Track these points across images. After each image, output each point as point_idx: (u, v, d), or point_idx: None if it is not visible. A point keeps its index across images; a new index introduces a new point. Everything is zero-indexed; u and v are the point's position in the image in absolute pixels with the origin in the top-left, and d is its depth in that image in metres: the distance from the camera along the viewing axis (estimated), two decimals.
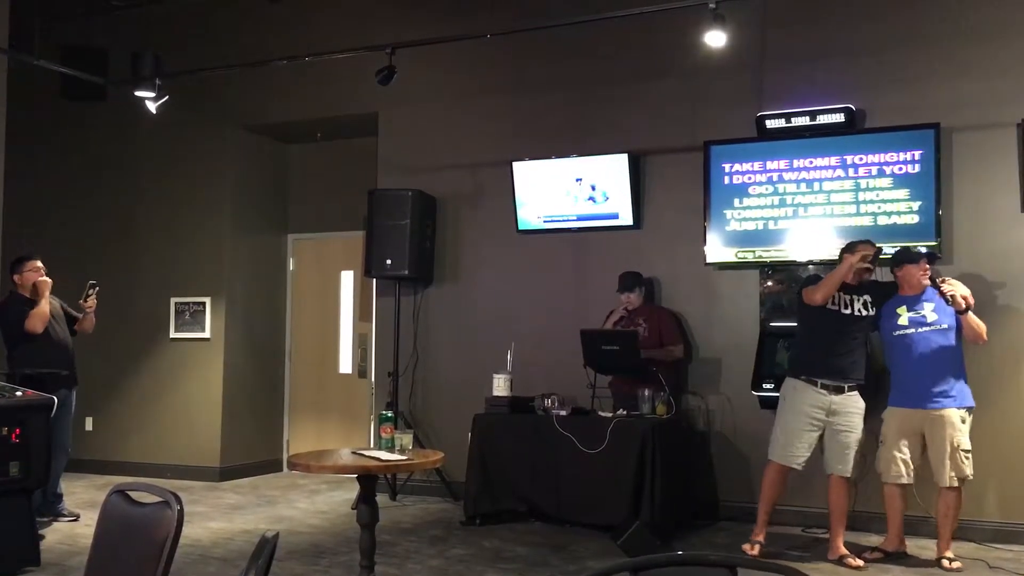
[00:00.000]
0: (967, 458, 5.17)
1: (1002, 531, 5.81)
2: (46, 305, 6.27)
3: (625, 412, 6.12)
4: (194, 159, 8.49)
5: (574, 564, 5.32)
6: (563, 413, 6.23)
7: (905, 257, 5.46)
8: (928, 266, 5.40)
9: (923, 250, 5.64)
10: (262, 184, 8.79)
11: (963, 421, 5.19)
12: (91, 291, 6.48)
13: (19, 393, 5.28)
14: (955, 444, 5.14)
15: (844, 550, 5.30)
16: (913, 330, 5.29)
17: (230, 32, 8.29)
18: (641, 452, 5.82)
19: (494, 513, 6.34)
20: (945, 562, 5.17)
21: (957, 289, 5.28)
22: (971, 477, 5.21)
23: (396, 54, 6.38)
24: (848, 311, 5.42)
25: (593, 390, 6.35)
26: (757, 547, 5.43)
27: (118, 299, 8.24)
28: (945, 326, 5.24)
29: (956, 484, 5.18)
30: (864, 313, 5.41)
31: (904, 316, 5.32)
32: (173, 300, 8.45)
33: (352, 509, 6.29)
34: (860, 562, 5.22)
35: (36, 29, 7.02)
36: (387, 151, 7.86)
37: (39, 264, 6.41)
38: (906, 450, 5.29)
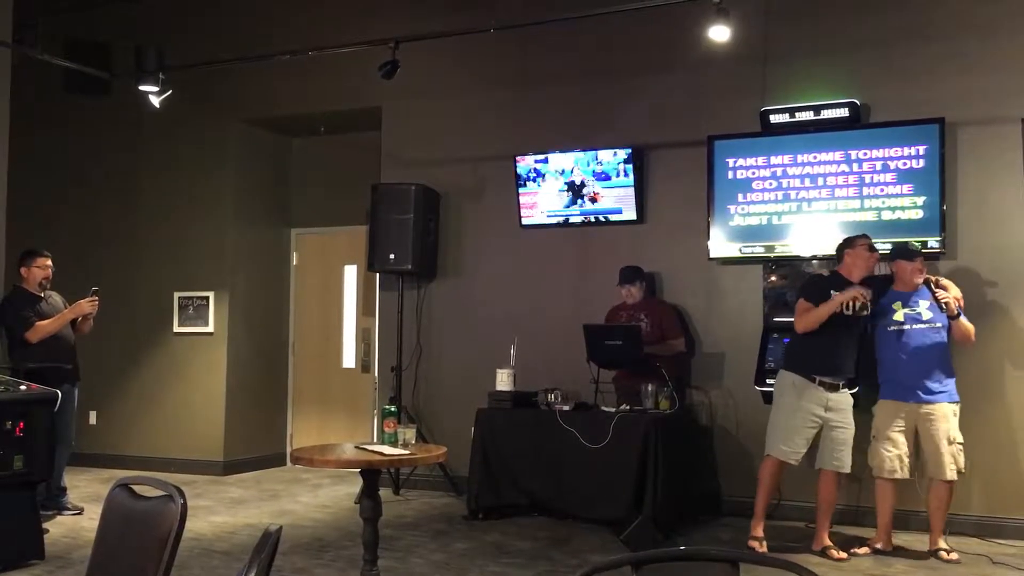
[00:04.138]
0: (960, 451, 5.27)
1: (1008, 526, 5.80)
2: (56, 327, 6.28)
3: (628, 407, 6.12)
4: (197, 153, 8.48)
5: (576, 558, 5.32)
6: (566, 408, 6.23)
7: (901, 253, 5.48)
8: (923, 264, 5.42)
9: (918, 247, 5.64)
10: (265, 178, 8.78)
11: (955, 415, 5.30)
12: (94, 296, 6.47)
13: (22, 387, 5.30)
14: (951, 437, 5.25)
15: (828, 541, 5.39)
16: (908, 326, 5.34)
17: (233, 26, 8.29)
18: (644, 447, 5.82)
19: (497, 507, 6.35)
20: (943, 553, 5.26)
21: (951, 292, 5.34)
22: (964, 471, 5.30)
23: (399, 48, 6.37)
24: (849, 311, 5.40)
25: (596, 385, 6.34)
26: (764, 544, 5.43)
27: (121, 293, 8.26)
28: (939, 324, 5.32)
29: (951, 477, 5.26)
30: (864, 313, 5.41)
31: (900, 312, 5.37)
32: (176, 294, 8.46)
33: (355, 503, 6.29)
34: (843, 554, 5.31)
35: (39, 23, 7.01)
36: (390, 145, 7.85)
37: (48, 262, 6.42)
38: (902, 445, 5.34)
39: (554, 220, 7.20)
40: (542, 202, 7.19)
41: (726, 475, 6.58)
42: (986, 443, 5.89)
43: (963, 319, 5.31)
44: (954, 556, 5.23)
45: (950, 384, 5.31)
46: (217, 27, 8.32)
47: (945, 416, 5.26)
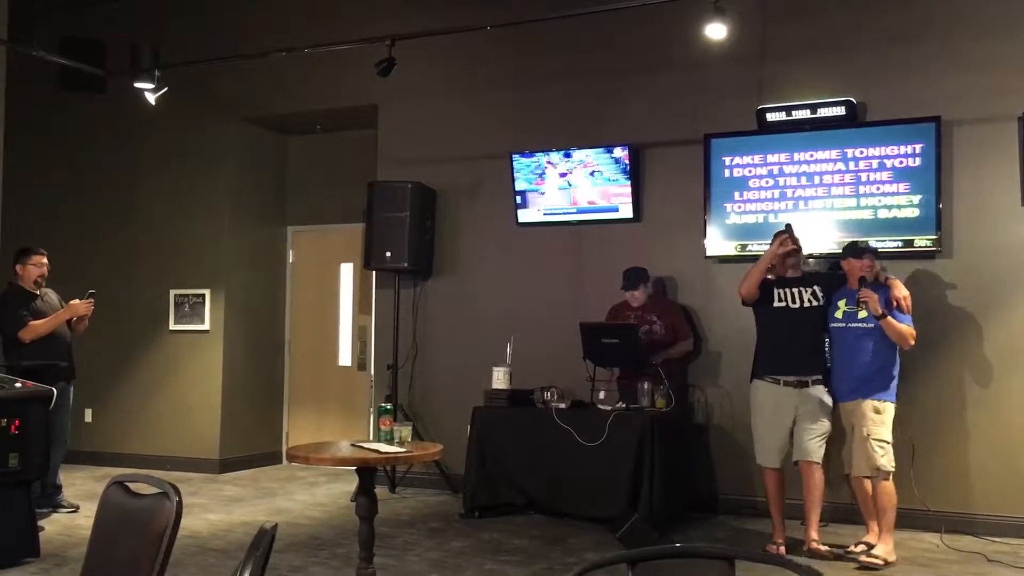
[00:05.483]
0: (880, 447, 5.15)
1: (1003, 524, 5.81)
2: (50, 327, 6.26)
3: (624, 405, 6.12)
4: (193, 151, 8.47)
5: (572, 556, 5.33)
6: (562, 406, 6.23)
7: (850, 251, 5.48)
8: (871, 264, 5.36)
9: (867, 245, 5.62)
10: (262, 176, 8.77)
11: (876, 412, 5.20)
12: (90, 299, 6.45)
13: (18, 385, 5.29)
14: (865, 434, 5.18)
15: (815, 536, 5.35)
16: (844, 324, 5.34)
17: (230, 23, 8.27)
18: (640, 445, 5.82)
19: (493, 506, 6.35)
20: (863, 554, 5.15)
21: (897, 292, 5.25)
22: (888, 468, 5.16)
23: (396, 46, 6.36)
24: (797, 304, 5.43)
25: (592, 383, 6.34)
26: (782, 548, 5.40)
27: (117, 291, 8.24)
28: (872, 325, 5.21)
29: (868, 474, 5.20)
30: (814, 303, 5.43)
31: (841, 309, 5.37)
32: (172, 292, 8.45)
33: (351, 501, 6.29)
34: (835, 550, 5.30)
35: (35, 20, 6.99)
36: (387, 143, 7.84)
37: (44, 260, 6.40)
38: (848, 442, 5.39)
39: (551, 218, 7.20)
40: (538, 200, 7.17)
41: (722, 473, 6.58)
42: (982, 441, 5.90)
43: (893, 320, 5.15)
44: (875, 559, 5.09)
45: (879, 383, 5.22)
46: (213, 25, 8.31)
47: (863, 413, 5.20)
